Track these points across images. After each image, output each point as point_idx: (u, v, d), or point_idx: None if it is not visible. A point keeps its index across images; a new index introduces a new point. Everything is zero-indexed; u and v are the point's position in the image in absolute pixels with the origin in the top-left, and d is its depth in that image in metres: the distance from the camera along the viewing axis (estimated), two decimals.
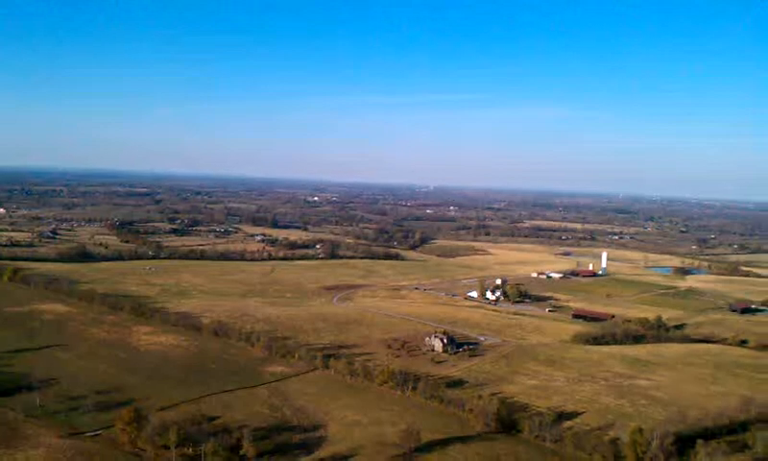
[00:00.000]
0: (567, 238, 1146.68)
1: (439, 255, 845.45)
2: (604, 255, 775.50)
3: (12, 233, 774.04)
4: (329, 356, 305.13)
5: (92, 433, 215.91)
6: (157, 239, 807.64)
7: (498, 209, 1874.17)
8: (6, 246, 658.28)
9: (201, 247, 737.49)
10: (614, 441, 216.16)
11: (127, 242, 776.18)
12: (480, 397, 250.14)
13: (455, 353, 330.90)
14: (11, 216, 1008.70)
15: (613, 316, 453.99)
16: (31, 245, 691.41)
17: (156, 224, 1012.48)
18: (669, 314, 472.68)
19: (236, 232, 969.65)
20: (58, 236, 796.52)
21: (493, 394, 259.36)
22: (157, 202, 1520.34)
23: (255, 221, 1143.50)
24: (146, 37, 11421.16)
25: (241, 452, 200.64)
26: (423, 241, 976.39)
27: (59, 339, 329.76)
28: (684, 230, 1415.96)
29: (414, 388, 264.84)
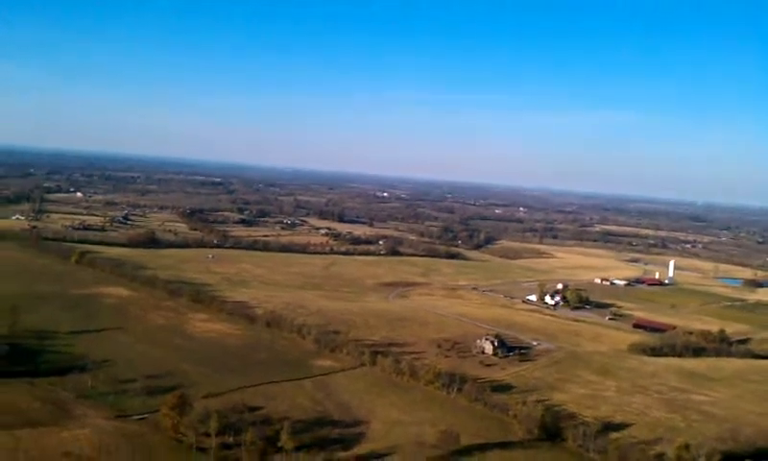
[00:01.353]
0: (637, 245, 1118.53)
1: (502, 257, 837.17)
2: (671, 264, 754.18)
3: (86, 217, 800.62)
4: (378, 353, 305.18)
5: (138, 416, 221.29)
6: (225, 228, 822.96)
7: (569, 212, 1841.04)
8: (78, 229, 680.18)
9: (265, 238, 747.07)
10: (660, 456, 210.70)
11: (195, 230, 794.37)
12: (525, 403, 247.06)
13: (505, 357, 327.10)
14: (87, 200, 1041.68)
15: (675, 327, 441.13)
16: (102, 229, 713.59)
17: (225, 213, 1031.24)
18: (734, 328, 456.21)
19: (302, 225, 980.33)
20: (129, 222, 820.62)
21: (540, 400, 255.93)
22: (230, 192, 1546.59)
23: (323, 214, 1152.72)
24: (233, 27, 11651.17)
25: (279, 444, 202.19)
26: (488, 241, 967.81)
27: (118, 322, 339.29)
28: (761, 240, 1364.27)
29: (459, 390, 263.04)
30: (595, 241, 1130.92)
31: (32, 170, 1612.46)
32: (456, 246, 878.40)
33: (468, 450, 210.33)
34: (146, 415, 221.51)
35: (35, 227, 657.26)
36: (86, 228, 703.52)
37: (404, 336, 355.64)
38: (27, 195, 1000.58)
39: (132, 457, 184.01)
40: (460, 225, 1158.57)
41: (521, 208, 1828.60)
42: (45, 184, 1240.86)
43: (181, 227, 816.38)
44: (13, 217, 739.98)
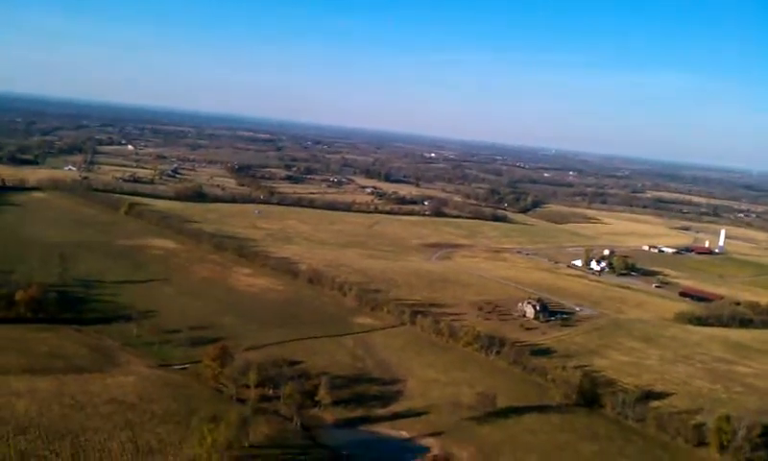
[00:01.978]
0: (688, 212, 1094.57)
1: (548, 221, 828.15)
2: (722, 233, 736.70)
3: (137, 170, 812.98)
4: (418, 313, 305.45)
5: (180, 366, 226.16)
6: (272, 185, 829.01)
7: (620, 177, 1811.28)
8: (128, 181, 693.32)
9: (311, 195, 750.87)
10: (700, 426, 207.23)
11: (242, 185, 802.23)
12: (564, 368, 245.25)
13: (547, 322, 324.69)
14: (137, 153, 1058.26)
15: (722, 297, 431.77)
16: (152, 182, 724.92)
17: (272, 170, 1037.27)
18: None
19: (348, 183, 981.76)
20: (178, 175, 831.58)
21: (580, 366, 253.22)
22: (279, 149, 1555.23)
23: (369, 173, 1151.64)
24: None
25: (316, 398, 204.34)
26: (535, 205, 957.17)
27: (163, 274, 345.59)
28: None
29: (498, 352, 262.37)
30: (645, 207, 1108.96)
31: (85, 122, 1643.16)
32: (502, 209, 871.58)
33: (505, 413, 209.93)
34: (188, 365, 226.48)
35: (86, 177, 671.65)
36: (136, 180, 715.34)
37: (445, 297, 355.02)
38: (80, 146, 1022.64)
39: (173, 405, 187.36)
40: (507, 187, 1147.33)
41: (571, 173, 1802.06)
42: (98, 137, 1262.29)
43: (229, 182, 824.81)
44: (66, 168, 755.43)
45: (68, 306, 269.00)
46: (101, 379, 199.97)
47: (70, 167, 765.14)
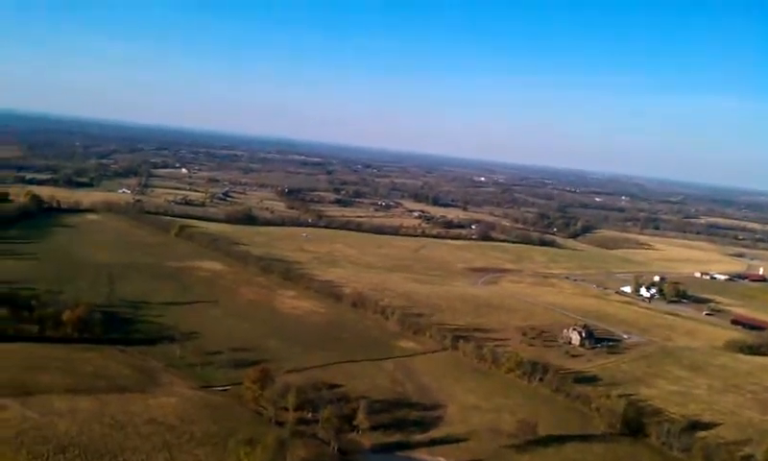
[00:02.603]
0: (743, 238, 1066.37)
1: (598, 246, 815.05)
2: None
3: (188, 193, 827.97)
4: (461, 338, 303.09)
5: (221, 388, 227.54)
6: (320, 208, 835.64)
7: (674, 202, 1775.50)
8: (179, 204, 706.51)
9: (359, 219, 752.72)
10: (748, 458, 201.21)
11: (291, 208, 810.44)
12: (608, 396, 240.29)
13: (592, 348, 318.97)
14: (191, 177, 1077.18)
15: None
16: (203, 205, 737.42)
17: (321, 193, 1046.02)
18: None
19: (396, 207, 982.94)
20: (229, 198, 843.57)
21: (625, 395, 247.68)
22: (329, 172, 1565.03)
23: (417, 197, 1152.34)
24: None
25: (354, 422, 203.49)
26: (585, 230, 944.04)
27: (209, 295, 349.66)
28: None
29: (541, 379, 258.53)
30: (699, 233, 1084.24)
31: (141, 145, 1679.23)
32: (551, 233, 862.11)
33: (546, 441, 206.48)
34: (229, 387, 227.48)
35: (139, 200, 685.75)
36: (187, 203, 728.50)
37: (489, 322, 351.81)
38: (135, 170, 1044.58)
39: (212, 427, 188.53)
40: (557, 212, 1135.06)
41: (623, 197, 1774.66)
42: (152, 160, 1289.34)
43: (279, 205, 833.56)
44: (120, 190, 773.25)
45: (114, 327, 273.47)
46: (142, 400, 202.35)
47: (124, 190, 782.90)
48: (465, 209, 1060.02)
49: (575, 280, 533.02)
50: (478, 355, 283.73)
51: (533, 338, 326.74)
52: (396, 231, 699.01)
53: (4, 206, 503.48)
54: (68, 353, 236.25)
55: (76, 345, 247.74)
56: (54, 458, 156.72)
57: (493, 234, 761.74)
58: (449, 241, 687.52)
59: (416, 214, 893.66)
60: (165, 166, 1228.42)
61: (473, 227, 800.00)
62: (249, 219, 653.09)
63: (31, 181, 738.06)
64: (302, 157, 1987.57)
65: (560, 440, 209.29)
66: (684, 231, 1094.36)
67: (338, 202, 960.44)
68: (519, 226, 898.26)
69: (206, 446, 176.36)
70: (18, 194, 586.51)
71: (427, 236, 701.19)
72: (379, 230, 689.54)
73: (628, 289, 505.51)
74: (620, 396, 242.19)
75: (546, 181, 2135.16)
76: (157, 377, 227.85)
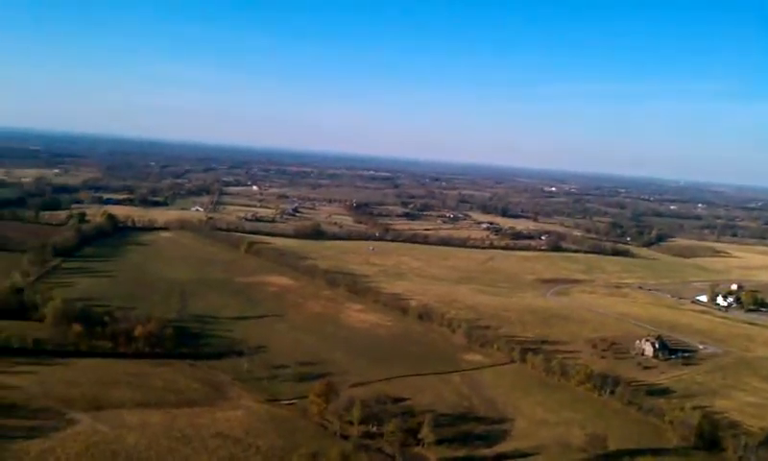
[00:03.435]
0: None
1: (674, 255, 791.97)
2: None
3: (259, 209, 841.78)
4: (529, 350, 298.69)
5: (287, 401, 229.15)
6: (388, 222, 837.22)
7: (752, 209, 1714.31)
8: (250, 220, 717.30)
9: (426, 231, 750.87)
10: None
11: (359, 223, 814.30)
12: (682, 408, 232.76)
13: (666, 360, 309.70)
14: (261, 194, 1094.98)
15: None
16: (273, 221, 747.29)
17: (389, 207, 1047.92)
18: None
19: (464, 219, 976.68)
20: (298, 214, 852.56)
21: (700, 407, 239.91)
22: (396, 186, 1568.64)
23: (486, 209, 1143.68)
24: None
25: (419, 436, 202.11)
26: (660, 239, 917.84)
27: (277, 310, 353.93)
28: None
29: (612, 392, 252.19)
30: None
31: (214, 165, 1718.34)
32: (624, 243, 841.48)
33: (617, 455, 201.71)
34: (295, 400, 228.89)
35: (211, 218, 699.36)
36: (258, 219, 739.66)
37: (559, 334, 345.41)
38: (207, 188, 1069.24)
39: (277, 441, 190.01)
40: (630, 221, 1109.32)
41: (699, 205, 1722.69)
42: (225, 178, 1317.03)
43: (347, 219, 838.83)
44: (193, 208, 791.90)
45: (185, 341, 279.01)
46: (210, 413, 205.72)
47: (197, 208, 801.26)
48: (535, 220, 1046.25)
49: (649, 290, 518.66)
50: (547, 368, 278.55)
51: (604, 350, 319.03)
52: (463, 243, 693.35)
53: (82, 226, 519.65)
54: (139, 368, 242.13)
55: (147, 359, 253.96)
56: None
57: (564, 245, 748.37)
58: (518, 252, 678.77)
59: (484, 226, 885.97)
60: (237, 184, 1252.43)
61: (543, 237, 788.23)
62: (317, 234, 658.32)
63: (108, 202, 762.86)
64: (371, 172, 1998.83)
65: (631, 454, 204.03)
66: (764, 238, 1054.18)
67: (405, 215, 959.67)
68: (591, 236, 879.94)
69: (271, 459, 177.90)
70: (95, 214, 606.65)
71: (495, 248, 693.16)
72: (446, 243, 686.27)
73: (704, 298, 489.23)
74: (695, 408, 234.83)
75: (620, 190, 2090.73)
76: (225, 391, 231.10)
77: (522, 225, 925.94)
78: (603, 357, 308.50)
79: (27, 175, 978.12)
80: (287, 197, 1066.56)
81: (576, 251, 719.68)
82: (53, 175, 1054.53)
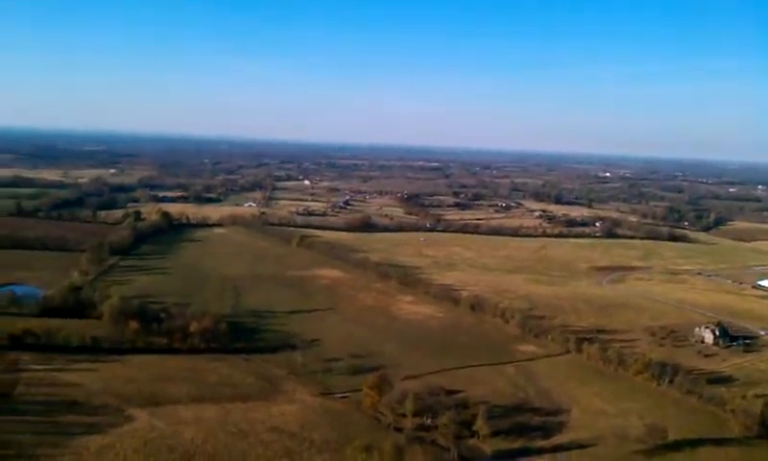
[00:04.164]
0: None
1: (733, 239, 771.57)
2: None
3: (311, 203, 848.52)
4: (585, 340, 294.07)
5: (341, 394, 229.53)
6: (439, 212, 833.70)
7: None
8: (301, 214, 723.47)
9: (477, 221, 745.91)
10: None
11: (410, 214, 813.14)
12: (745, 397, 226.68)
13: (727, 347, 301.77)
14: (313, 188, 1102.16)
15: None
16: (324, 214, 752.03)
17: (440, 197, 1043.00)
18: None
19: (517, 208, 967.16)
20: (349, 207, 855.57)
21: (764, 395, 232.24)
22: (447, 176, 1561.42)
23: (538, 197, 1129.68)
24: None
25: (474, 428, 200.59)
26: (718, 222, 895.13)
27: (329, 303, 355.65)
28: None
29: (671, 381, 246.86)
30: None
31: (266, 160, 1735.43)
32: (682, 227, 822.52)
33: (677, 446, 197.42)
34: (348, 393, 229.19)
35: (263, 213, 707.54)
36: (309, 213, 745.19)
37: (615, 323, 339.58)
38: (260, 183, 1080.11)
39: (332, 434, 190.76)
40: (688, 205, 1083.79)
41: (760, 186, 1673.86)
42: (277, 173, 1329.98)
43: (398, 211, 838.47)
44: (246, 204, 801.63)
45: (239, 336, 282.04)
46: (265, 408, 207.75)
47: (250, 204, 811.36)
48: (589, 207, 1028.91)
49: (708, 276, 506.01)
50: (603, 358, 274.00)
51: (662, 338, 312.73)
52: (515, 232, 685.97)
53: (137, 224, 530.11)
54: (195, 364, 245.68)
55: (202, 355, 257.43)
56: None
57: (619, 231, 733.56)
58: (572, 240, 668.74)
59: (537, 214, 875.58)
60: (289, 179, 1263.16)
61: (597, 224, 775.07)
62: (367, 226, 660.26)
63: (162, 199, 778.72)
64: (421, 163, 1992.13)
65: (692, 444, 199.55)
66: None
67: (457, 205, 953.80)
68: (647, 221, 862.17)
69: (325, 453, 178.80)
70: (150, 212, 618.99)
71: (549, 236, 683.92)
72: (498, 232, 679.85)
73: (765, 283, 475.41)
74: (757, 396, 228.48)
75: (676, 174, 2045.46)
76: (279, 385, 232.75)
77: (576, 212, 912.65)
78: (661, 346, 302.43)
79: (84, 175, 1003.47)
80: (338, 190, 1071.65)
81: (632, 237, 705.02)
82: (109, 175, 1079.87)
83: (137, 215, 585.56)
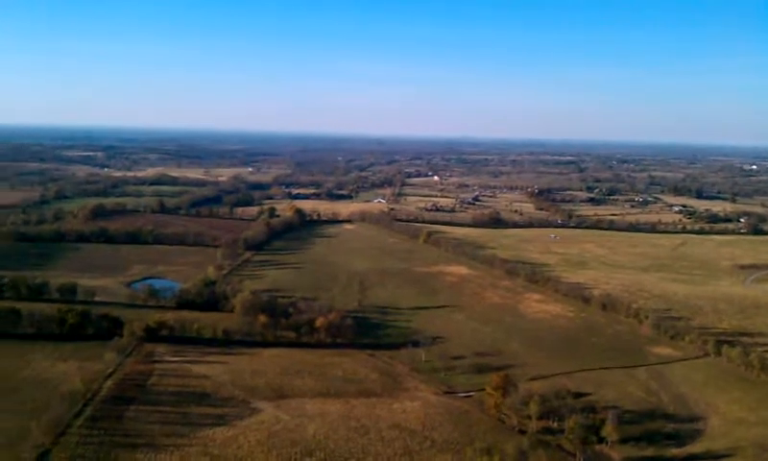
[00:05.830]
0: None
1: None
2: None
3: (439, 199, 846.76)
4: (725, 343, 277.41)
5: (464, 394, 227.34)
6: (571, 208, 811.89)
7: None
8: (430, 210, 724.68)
9: (611, 217, 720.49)
10: None
11: (541, 210, 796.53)
12: None
13: None
14: (442, 183, 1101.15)
15: None
16: (452, 210, 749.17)
17: (573, 192, 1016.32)
18: None
19: (655, 202, 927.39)
20: (478, 202, 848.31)
21: None
22: (581, 170, 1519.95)
23: (678, 191, 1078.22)
24: None
25: (602, 434, 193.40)
26: None
27: (454, 300, 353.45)
28: None
29: None
30: None
31: (397, 157, 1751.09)
32: None
33: None
34: (471, 392, 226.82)
35: (392, 208, 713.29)
36: (437, 209, 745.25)
37: (759, 325, 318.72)
38: (390, 180, 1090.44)
39: (453, 434, 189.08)
40: None
41: None
42: (407, 170, 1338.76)
43: (528, 207, 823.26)
44: (375, 200, 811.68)
45: (364, 332, 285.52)
46: (387, 404, 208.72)
47: (380, 200, 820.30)
48: (733, 201, 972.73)
49: None
50: (745, 362, 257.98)
51: None
52: (652, 228, 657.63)
53: (271, 221, 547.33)
54: (320, 358, 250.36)
55: (328, 349, 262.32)
56: None
57: (766, 227, 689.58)
58: (714, 236, 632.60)
59: (676, 209, 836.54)
60: (418, 175, 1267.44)
61: (742, 220, 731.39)
62: (496, 222, 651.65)
63: (296, 197, 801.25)
64: (554, 157, 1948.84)
65: None
66: None
67: (590, 200, 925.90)
68: None
69: (446, 453, 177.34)
70: (284, 209, 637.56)
71: (688, 232, 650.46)
72: (634, 228, 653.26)
73: None
74: None
75: None
76: (402, 382, 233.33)
77: (719, 206, 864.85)
78: None
79: (224, 174, 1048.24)
80: (467, 186, 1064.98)
81: None
82: (247, 173, 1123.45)
83: (272, 212, 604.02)
